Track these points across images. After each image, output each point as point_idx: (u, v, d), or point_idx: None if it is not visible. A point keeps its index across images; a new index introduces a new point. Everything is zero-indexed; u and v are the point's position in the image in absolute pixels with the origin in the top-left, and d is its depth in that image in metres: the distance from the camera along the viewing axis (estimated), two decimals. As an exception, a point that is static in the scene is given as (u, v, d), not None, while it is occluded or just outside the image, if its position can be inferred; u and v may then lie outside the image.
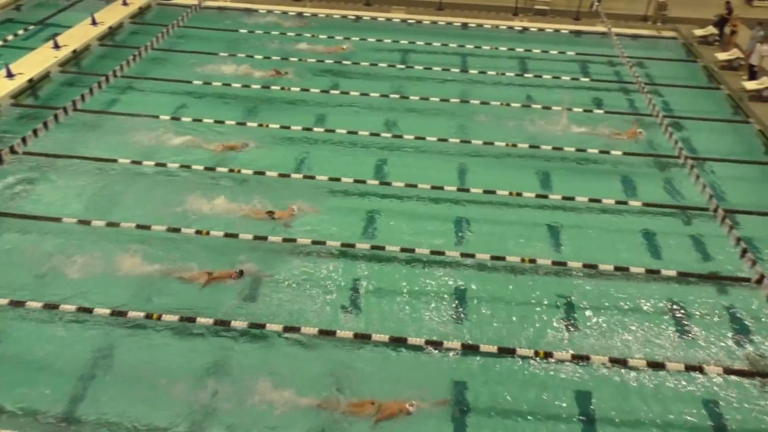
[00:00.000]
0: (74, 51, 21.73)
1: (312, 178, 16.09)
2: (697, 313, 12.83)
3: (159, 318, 11.77)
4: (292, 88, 20.60)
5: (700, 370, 11.29)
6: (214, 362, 11.17)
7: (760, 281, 12.92)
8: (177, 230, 13.97)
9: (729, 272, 13.73)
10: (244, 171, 16.18)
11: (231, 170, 16.21)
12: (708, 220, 15.18)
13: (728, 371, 11.30)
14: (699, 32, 25.81)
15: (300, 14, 26.79)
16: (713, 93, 22.02)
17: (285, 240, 13.89)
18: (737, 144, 19.08)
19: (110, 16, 24.66)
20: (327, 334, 11.61)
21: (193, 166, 16.28)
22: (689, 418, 10.64)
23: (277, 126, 18.34)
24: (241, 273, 12.82)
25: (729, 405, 10.88)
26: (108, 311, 11.84)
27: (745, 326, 12.60)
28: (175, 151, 16.99)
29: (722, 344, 12.09)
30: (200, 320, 11.76)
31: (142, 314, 11.83)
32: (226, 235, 13.88)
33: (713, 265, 14.07)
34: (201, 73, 21.25)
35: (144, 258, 13.10)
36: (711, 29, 25.51)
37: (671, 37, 26.59)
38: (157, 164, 16.28)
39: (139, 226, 13.99)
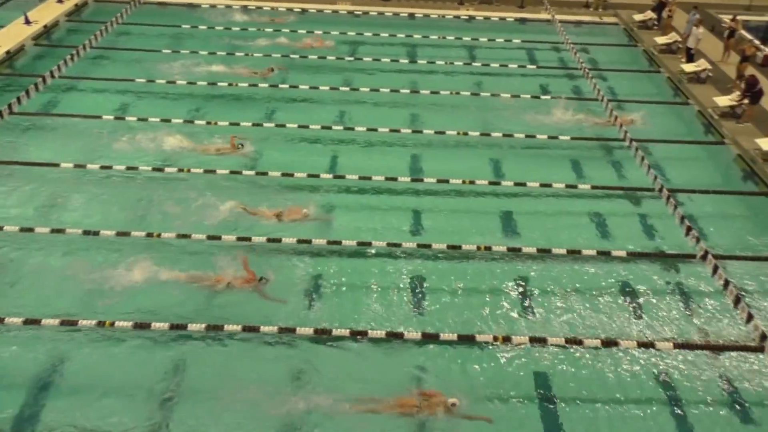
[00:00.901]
0: (8, 52, 20.83)
1: (265, 174, 15.87)
2: (648, 290, 13.24)
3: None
4: (240, 84, 20.27)
5: (652, 345, 11.67)
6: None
7: (704, 257, 13.42)
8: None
9: (675, 249, 14.20)
10: (194, 170, 15.84)
11: (181, 170, 15.84)
12: (654, 200, 15.66)
13: (678, 345, 11.70)
14: (638, 17, 26.56)
15: (245, 8, 26.37)
16: (654, 76, 22.70)
17: (239, 239, 13.68)
18: (678, 125, 19.74)
19: (45, 15, 23.70)
20: (288, 331, 11.51)
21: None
22: (644, 392, 10.98)
23: (226, 123, 18.02)
24: (261, 279, 12.41)
25: (681, 377, 11.29)
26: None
27: (692, 301, 13.08)
28: (127, 155, 16.51)
29: (672, 319, 12.52)
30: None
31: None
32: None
33: (660, 244, 14.55)
34: (146, 71, 20.72)
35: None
36: (650, 14, 26.29)
37: (612, 22, 27.27)
38: (102, 167, 15.80)
39: (86, 232, 13.56)
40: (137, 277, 12.35)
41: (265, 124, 18.21)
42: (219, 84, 20.22)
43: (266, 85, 20.34)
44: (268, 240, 13.64)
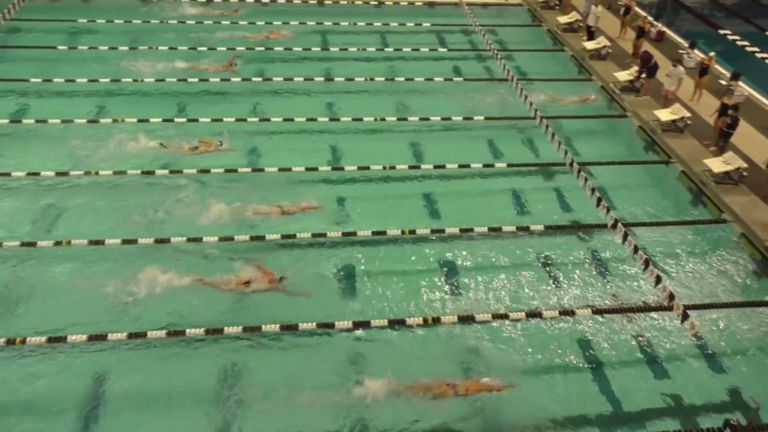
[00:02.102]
0: None
1: (179, 172, 15.34)
2: (566, 261, 13.85)
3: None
4: (146, 79, 19.44)
5: (572, 313, 12.23)
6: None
7: (615, 226, 14.15)
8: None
9: (588, 220, 14.90)
10: (102, 173, 15.10)
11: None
12: (566, 175, 16.32)
13: (596, 311, 12.33)
14: (541, -3, 27.41)
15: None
16: (558, 54, 23.56)
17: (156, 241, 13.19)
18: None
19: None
20: (216, 332, 11.25)
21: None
22: (567, 358, 11.53)
23: (134, 119, 17.25)
24: (281, 279, 12.29)
25: (600, 340, 11.92)
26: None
27: (606, 267, 13.80)
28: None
29: (589, 286, 13.17)
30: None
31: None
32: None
33: (575, 216, 15.22)
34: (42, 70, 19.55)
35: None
36: (551, -6, 27.17)
37: (516, 3, 28.00)
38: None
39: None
40: (157, 286, 12.11)
41: (176, 119, 17.57)
42: (123, 80, 19.35)
43: (174, 79, 19.57)
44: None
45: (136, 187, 14.92)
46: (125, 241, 13.08)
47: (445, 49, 23.45)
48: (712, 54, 19.54)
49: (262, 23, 23.85)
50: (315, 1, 26.32)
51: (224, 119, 17.56)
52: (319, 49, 22.55)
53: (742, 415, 10.37)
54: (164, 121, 17.39)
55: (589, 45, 22.60)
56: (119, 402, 10.37)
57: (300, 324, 11.41)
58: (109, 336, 11.01)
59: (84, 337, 10.99)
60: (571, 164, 16.15)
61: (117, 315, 11.69)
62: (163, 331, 11.15)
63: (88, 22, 22.90)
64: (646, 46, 21.72)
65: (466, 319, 11.89)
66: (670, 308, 12.05)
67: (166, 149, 14.70)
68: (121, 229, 13.52)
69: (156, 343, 11.13)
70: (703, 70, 19.06)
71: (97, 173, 15.11)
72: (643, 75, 19.65)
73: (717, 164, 15.75)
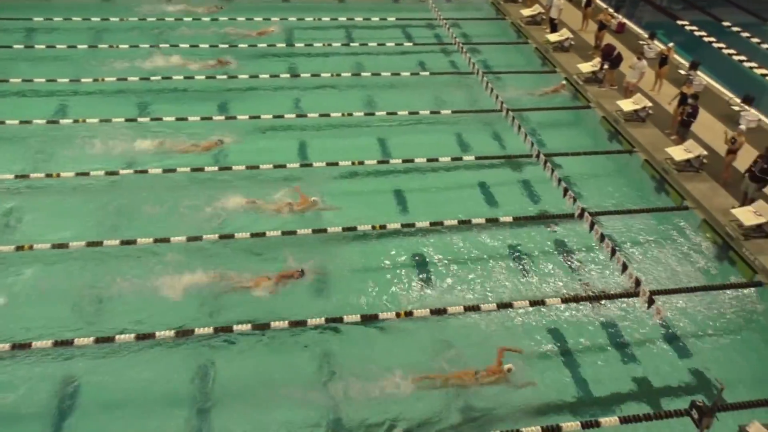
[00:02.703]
0: None
1: (143, 171, 15.10)
2: (535, 251, 14.04)
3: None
4: (107, 79, 19.05)
5: (543, 303, 12.42)
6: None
7: (581, 215, 14.36)
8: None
9: (555, 211, 15.11)
10: (63, 174, 14.77)
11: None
12: (533, 166, 16.52)
13: (565, 300, 12.54)
14: (504, -10, 27.61)
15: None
16: (523, 47, 23.80)
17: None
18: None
19: None
20: (184, 334, 11.11)
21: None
22: (539, 348, 11.71)
23: (97, 120, 16.90)
24: (302, 272, 12.42)
25: (570, 328, 12.14)
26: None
27: (574, 257, 14.03)
28: None
29: (558, 276, 13.38)
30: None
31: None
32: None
33: (542, 206, 15.44)
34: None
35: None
36: (514, -13, 27.40)
37: (480, -4, 28.19)
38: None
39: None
40: (174, 287, 12.08)
41: (139, 119, 17.25)
42: (83, 80, 18.94)
43: (136, 78, 19.23)
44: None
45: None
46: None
47: (411, 44, 23.49)
48: (670, 44, 19.97)
49: (225, 19, 23.60)
50: (279, -3, 26.11)
51: (189, 118, 17.32)
52: (284, 45, 22.36)
53: (707, 396, 10.67)
54: (128, 120, 17.10)
55: (553, 37, 22.88)
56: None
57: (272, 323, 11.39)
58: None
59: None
60: (538, 156, 16.34)
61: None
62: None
63: (60, 20, 22.38)
64: (608, 38, 22.08)
65: (438, 312, 11.97)
66: (636, 294, 12.31)
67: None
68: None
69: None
70: (663, 60, 19.47)
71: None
72: (606, 66, 19.97)
73: (678, 152, 16.13)
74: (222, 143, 16.53)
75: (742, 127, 16.15)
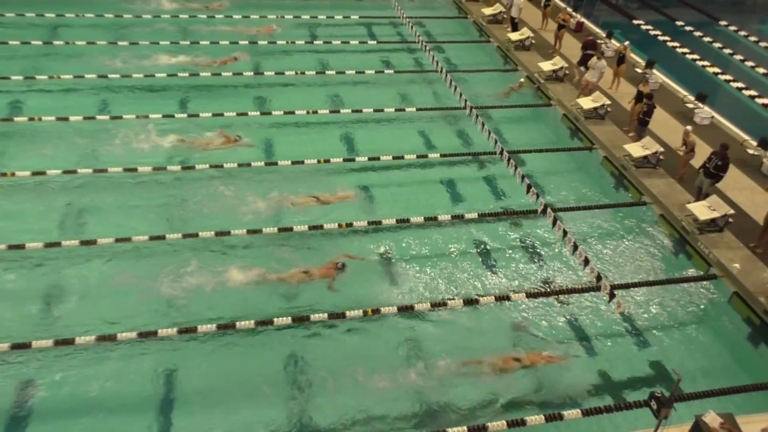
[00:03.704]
0: None
1: (104, 171, 14.80)
2: (500, 247, 14.24)
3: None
4: (63, 76, 18.57)
5: (508, 298, 12.61)
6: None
7: (544, 211, 14.63)
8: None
9: (519, 207, 15.35)
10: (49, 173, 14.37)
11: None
12: (496, 163, 16.75)
13: (530, 295, 12.77)
14: (466, -11, 27.86)
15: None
16: (485, 46, 24.06)
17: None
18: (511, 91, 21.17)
19: None
20: (150, 334, 10.96)
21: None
22: (506, 342, 11.88)
23: (80, 118, 16.46)
24: (343, 266, 12.73)
25: (535, 322, 12.36)
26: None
27: (537, 252, 14.29)
28: None
29: (522, 271, 13.61)
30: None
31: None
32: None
33: (506, 202, 15.66)
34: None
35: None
36: (475, -14, 27.67)
37: (442, -6, 28.41)
38: None
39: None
40: (222, 281, 12.29)
41: (98, 117, 16.87)
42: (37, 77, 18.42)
43: (94, 75, 18.78)
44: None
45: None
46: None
47: (375, 42, 23.51)
48: (627, 43, 20.47)
49: (186, 17, 23.24)
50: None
51: (150, 116, 17.02)
52: (246, 42, 22.13)
53: (666, 387, 10.99)
54: (86, 119, 16.70)
55: (514, 36, 23.19)
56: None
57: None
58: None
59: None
60: (501, 153, 16.56)
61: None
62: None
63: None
64: (567, 37, 22.50)
65: (406, 309, 12.06)
66: (598, 288, 12.60)
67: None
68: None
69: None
70: (620, 58, 19.95)
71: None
72: (565, 64, 20.33)
73: (636, 149, 16.55)
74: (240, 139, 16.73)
75: (689, 128, 16.62)
